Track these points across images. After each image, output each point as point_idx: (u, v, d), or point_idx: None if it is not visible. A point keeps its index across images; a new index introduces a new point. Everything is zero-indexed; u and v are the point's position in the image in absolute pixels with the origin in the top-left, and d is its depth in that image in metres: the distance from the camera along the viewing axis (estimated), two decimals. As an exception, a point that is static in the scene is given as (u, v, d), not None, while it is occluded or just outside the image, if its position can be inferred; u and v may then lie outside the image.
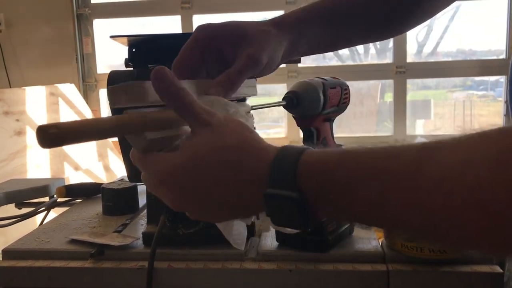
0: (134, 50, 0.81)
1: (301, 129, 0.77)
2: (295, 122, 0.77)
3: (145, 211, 0.87)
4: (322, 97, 0.73)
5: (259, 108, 0.68)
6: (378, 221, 0.42)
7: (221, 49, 0.59)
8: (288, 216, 0.43)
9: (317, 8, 0.66)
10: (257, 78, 0.64)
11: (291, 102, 0.71)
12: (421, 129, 3.05)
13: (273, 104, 0.73)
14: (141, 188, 1.00)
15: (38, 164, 2.08)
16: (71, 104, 2.45)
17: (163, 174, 0.46)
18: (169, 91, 0.46)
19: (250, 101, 0.67)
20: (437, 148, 0.38)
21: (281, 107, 0.74)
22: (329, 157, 0.42)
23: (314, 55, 0.72)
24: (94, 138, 0.44)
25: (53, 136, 0.39)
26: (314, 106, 0.73)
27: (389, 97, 2.94)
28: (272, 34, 0.60)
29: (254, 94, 0.63)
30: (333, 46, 0.72)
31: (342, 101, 0.79)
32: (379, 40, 0.80)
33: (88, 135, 0.42)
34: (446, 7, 0.75)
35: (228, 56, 0.59)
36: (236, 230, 0.53)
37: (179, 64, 0.58)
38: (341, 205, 0.42)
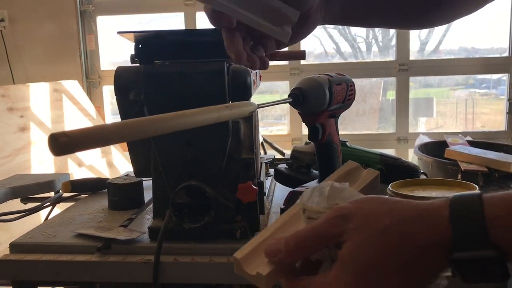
0: (140, 46, 0.82)
1: (306, 125, 0.78)
2: (297, 120, 0.78)
3: (151, 205, 0.88)
4: (327, 93, 0.74)
5: (266, 106, 0.68)
6: None
7: None
8: (485, 275, 0.40)
9: None
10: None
11: (297, 99, 0.72)
12: (423, 126, 3.05)
13: (279, 102, 0.73)
14: (147, 183, 1.00)
15: (41, 160, 2.09)
16: (75, 101, 2.46)
17: None
18: (289, 255, 0.46)
19: (256, 100, 0.67)
20: None
21: (285, 104, 0.74)
22: None
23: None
24: (104, 144, 0.44)
25: (64, 144, 0.40)
26: (320, 102, 0.74)
27: (391, 95, 2.94)
28: None
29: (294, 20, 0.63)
30: (366, 19, 0.70)
31: (347, 98, 0.80)
32: (416, 28, 0.78)
33: (99, 142, 0.43)
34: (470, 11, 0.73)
35: None
36: None
37: None
38: None
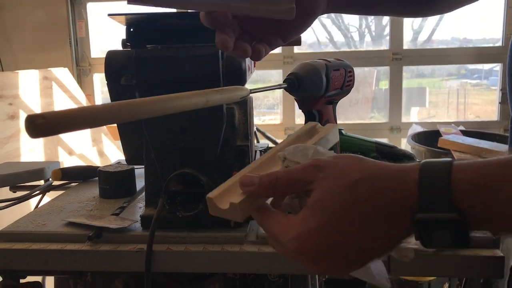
0: (132, 29, 0.80)
1: (302, 111, 0.76)
2: (290, 109, 0.76)
3: (143, 194, 0.86)
4: (324, 79, 0.72)
5: (259, 91, 0.67)
6: None
7: None
8: (446, 239, 0.41)
9: None
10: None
11: (292, 85, 0.70)
12: (415, 116, 3.05)
13: (273, 87, 0.71)
14: (139, 171, 0.98)
15: (31, 148, 2.06)
16: (65, 89, 2.42)
17: (303, 246, 0.44)
18: (262, 189, 0.48)
19: (249, 85, 0.65)
20: None
21: (279, 91, 0.73)
22: (489, 170, 0.39)
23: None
24: (84, 127, 0.42)
25: (39, 125, 0.38)
26: (316, 88, 0.72)
27: (384, 85, 2.94)
28: None
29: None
30: (368, 8, 0.69)
31: (346, 84, 0.78)
32: (412, 16, 0.79)
33: (77, 124, 0.41)
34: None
35: None
36: (375, 270, 0.50)
37: None
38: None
